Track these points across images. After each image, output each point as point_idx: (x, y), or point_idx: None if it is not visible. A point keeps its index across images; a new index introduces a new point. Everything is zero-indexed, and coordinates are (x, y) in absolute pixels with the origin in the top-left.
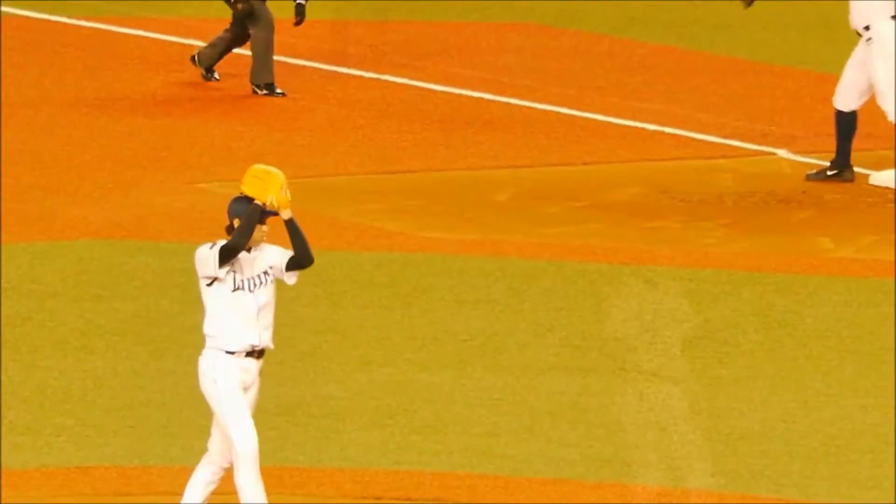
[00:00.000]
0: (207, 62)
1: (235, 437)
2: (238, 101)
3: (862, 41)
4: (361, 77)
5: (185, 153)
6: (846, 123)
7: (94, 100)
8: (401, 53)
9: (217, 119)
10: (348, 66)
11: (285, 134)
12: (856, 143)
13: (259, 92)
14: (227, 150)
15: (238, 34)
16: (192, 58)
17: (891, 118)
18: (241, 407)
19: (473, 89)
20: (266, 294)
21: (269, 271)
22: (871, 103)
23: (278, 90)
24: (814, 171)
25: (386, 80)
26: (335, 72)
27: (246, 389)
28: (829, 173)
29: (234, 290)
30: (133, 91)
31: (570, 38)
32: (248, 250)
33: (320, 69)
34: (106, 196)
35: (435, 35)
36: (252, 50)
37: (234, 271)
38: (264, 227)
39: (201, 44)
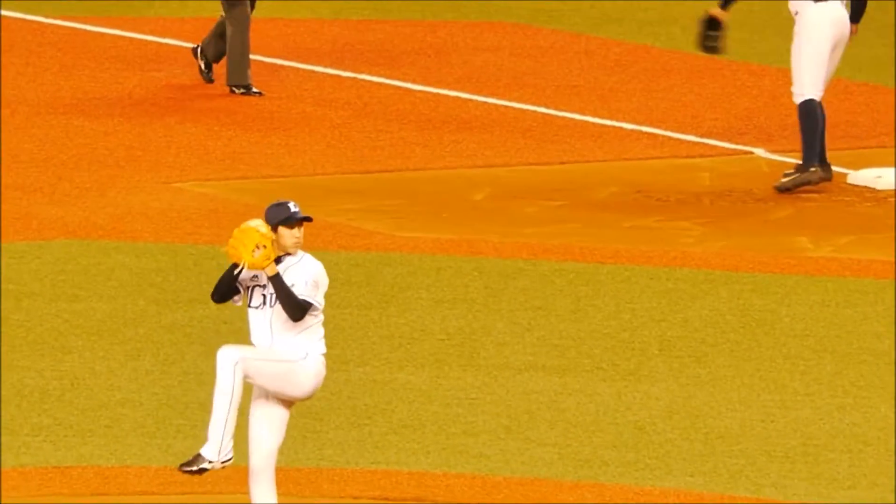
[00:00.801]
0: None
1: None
2: (214, 101)
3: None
4: (338, 76)
5: (161, 153)
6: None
7: (71, 99)
8: (377, 53)
9: (193, 119)
10: (325, 66)
11: (261, 134)
12: (833, 142)
13: (236, 92)
14: (203, 150)
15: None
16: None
17: (795, 99)
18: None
19: (450, 88)
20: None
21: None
22: (844, 99)
23: (255, 90)
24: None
25: (362, 80)
26: (312, 71)
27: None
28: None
29: (256, 308)
30: (109, 91)
31: (547, 37)
32: (279, 261)
33: (297, 68)
34: (83, 196)
35: (411, 34)
36: (228, 50)
37: (258, 286)
38: (297, 233)
39: (178, 43)
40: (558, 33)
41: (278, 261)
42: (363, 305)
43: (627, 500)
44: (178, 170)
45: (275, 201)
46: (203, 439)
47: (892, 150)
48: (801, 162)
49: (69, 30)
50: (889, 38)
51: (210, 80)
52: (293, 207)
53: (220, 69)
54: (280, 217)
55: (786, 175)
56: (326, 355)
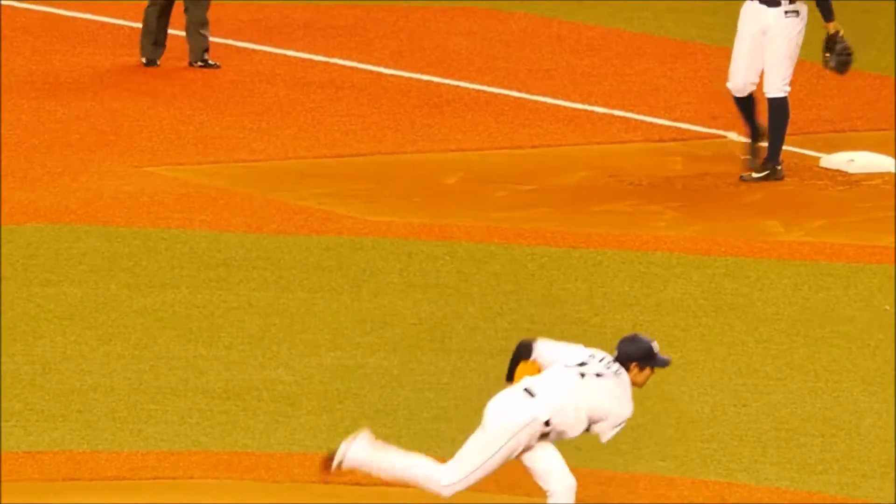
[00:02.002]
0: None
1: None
2: (186, 85)
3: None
4: (310, 60)
5: (133, 137)
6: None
7: (43, 84)
8: (350, 36)
9: (165, 103)
10: (297, 50)
11: (234, 118)
12: (806, 126)
13: (196, 65)
14: (175, 134)
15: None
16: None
17: (775, 92)
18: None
19: (422, 73)
20: None
21: None
22: (815, 83)
23: (211, 62)
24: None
25: (335, 64)
26: (284, 55)
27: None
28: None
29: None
30: (81, 75)
31: (519, 21)
32: None
33: (269, 52)
34: (54, 180)
35: (384, 18)
36: (188, 27)
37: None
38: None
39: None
40: (530, 17)
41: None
42: (334, 290)
43: (599, 484)
44: (150, 154)
45: (635, 336)
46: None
47: (864, 133)
48: (768, 155)
49: (41, 14)
50: (858, 22)
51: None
52: (656, 348)
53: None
54: (657, 362)
55: (751, 167)
56: (299, 340)
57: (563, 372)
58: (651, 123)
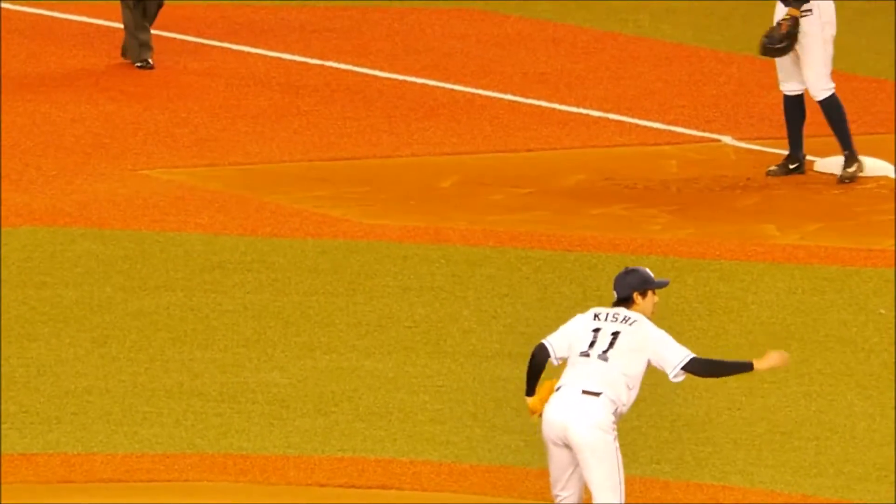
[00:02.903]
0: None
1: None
2: (182, 89)
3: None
4: (305, 63)
5: (128, 140)
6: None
7: (38, 86)
8: (345, 39)
9: (160, 106)
10: (292, 52)
11: (229, 121)
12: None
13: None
14: (170, 137)
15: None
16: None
17: (817, 95)
18: None
19: (417, 76)
20: None
21: None
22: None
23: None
24: (773, 166)
25: (330, 66)
26: (279, 58)
27: None
28: (791, 167)
29: None
30: (77, 78)
31: (514, 24)
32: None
33: (264, 55)
34: (49, 182)
35: (379, 21)
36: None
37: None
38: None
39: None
40: (525, 21)
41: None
42: (330, 293)
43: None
44: (146, 157)
45: (627, 268)
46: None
47: (861, 137)
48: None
49: (36, 17)
50: (853, 26)
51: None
52: (650, 272)
53: (187, 56)
54: (655, 283)
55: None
56: (294, 343)
57: (588, 359)
58: (646, 127)
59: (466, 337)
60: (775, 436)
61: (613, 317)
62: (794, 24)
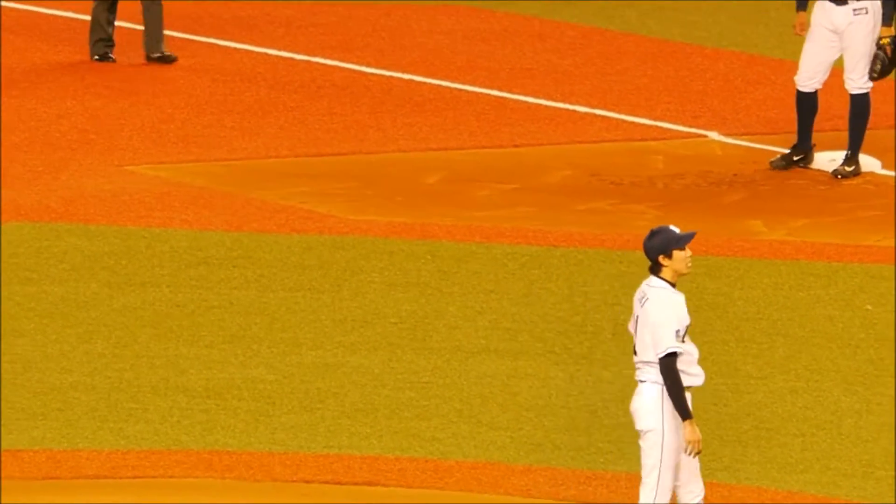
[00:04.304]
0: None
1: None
2: (167, 84)
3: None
4: (291, 59)
5: (114, 135)
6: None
7: (24, 82)
8: (331, 35)
9: (146, 101)
10: (278, 48)
11: (215, 116)
12: (789, 125)
13: (152, 60)
14: (156, 133)
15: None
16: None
17: (855, 90)
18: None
19: (403, 71)
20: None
21: None
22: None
23: (169, 54)
24: (776, 157)
25: (316, 62)
26: (265, 53)
27: None
28: (795, 158)
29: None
30: (63, 73)
31: (501, 19)
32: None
33: (250, 50)
34: (35, 178)
35: (365, 17)
36: (146, 23)
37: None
38: (688, 253)
39: (131, 26)
40: (512, 16)
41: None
42: (316, 289)
43: (580, 483)
44: (131, 152)
45: (652, 229)
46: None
47: (846, 133)
48: (850, 149)
49: (21, 12)
50: None
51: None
52: (675, 228)
53: (179, 51)
54: (675, 241)
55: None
56: (279, 339)
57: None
58: (632, 123)
59: (452, 333)
60: (761, 432)
61: (639, 299)
62: (895, 43)
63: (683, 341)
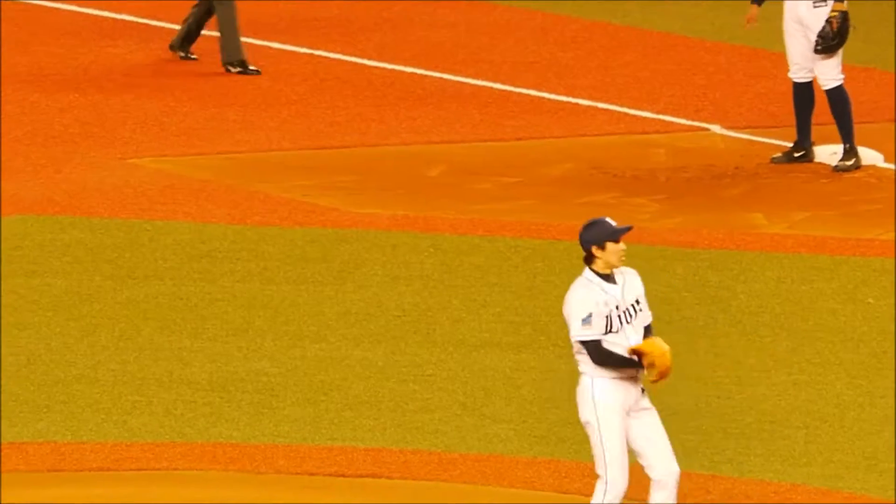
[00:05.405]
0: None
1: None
2: (170, 77)
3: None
4: (294, 52)
5: (117, 128)
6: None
7: (27, 75)
8: (333, 28)
9: (149, 94)
10: (281, 41)
11: (218, 109)
12: (789, 118)
13: (232, 70)
14: (159, 126)
15: (206, 8)
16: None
17: (826, 84)
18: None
19: (406, 64)
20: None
21: (640, 302)
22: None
23: (252, 67)
24: (778, 154)
25: (318, 55)
26: (268, 46)
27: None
28: (795, 155)
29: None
30: (65, 66)
31: (503, 13)
32: (611, 279)
33: (253, 44)
34: (38, 171)
35: (367, 9)
36: (219, 28)
37: (610, 313)
38: (622, 246)
39: (134, 19)
40: (514, 9)
41: (610, 279)
42: (319, 282)
43: (583, 476)
44: (134, 146)
45: (589, 221)
46: (151, 413)
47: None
48: (844, 141)
49: (24, 5)
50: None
51: (192, 58)
52: (612, 221)
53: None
54: (608, 234)
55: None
56: (283, 332)
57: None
58: (635, 116)
59: (455, 326)
60: (764, 425)
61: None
62: (843, 19)
63: (612, 330)
